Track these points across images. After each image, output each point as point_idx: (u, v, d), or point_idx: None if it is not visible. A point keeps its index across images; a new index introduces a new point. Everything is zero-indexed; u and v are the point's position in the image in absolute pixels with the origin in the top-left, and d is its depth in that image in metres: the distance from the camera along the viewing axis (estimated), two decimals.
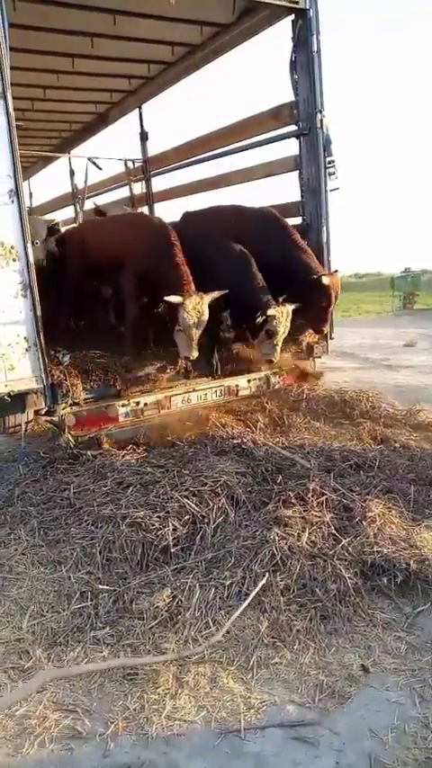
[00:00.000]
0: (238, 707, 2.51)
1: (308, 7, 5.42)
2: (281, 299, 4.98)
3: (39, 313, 4.34)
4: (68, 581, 3.34)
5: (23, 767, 2.25)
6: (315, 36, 5.47)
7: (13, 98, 4.20)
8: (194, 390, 5.35)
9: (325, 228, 5.80)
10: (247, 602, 3.01)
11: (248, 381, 5.63)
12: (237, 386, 5.55)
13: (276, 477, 4.06)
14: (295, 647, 2.83)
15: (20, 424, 4.81)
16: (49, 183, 11.92)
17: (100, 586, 3.25)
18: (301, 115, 5.72)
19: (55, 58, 6.67)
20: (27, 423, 4.89)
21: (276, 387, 5.78)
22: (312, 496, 3.76)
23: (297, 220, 6.06)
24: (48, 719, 2.46)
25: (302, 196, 5.94)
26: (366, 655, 2.79)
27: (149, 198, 9.10)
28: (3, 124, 4.12)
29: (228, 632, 2.91)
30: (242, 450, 4.45)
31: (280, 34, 5.74)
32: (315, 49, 5.49)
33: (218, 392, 5.46)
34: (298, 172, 5.94)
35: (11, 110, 4.14)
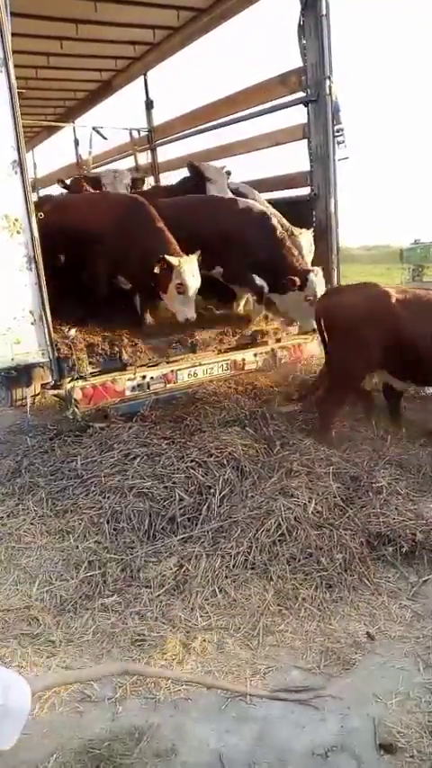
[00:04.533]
0: (244, 672, 2.55)
1: None
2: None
3: (44, 286, 4.32)
4: (76, 550, 3.38)
5: (34, 729, 2.30)
6: None
7: (16, 66, 4.09)
8: (200, 364, 5.33)
9: (333, 199, 5.70)
10: None
11: (255, 355, 5.60)
12: (243, 360, 5.52)
13: (282, 448, 4.07)
14: (301, 615, 2.87)
15: (27, 398, 4.82)
16: (54, 153, 11.77)
17: (107, 555, 3.29)
18: (309, 81, 5.58)
19: (58, 23, 6.51)
20: (34, 396, 4.90)
21: (283, 361, 5.74)
22: (319, 467, 3.77)
23: (305, 190, 5.97)
24: None
25: (311, 165, 5.83)
26: (371, 622, 2.82)
27: (155, 168, 8.98)
28: (4, 93, 4.02)
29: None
30: (248, 422, 4.45)
31: None
32: (324, 13, 5.33)
33: (224, 366, 5.44)
34: (306, 140, 5.83)
35: (13, 78, 4.04)
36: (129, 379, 4.93)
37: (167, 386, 5.12)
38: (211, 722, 2.34)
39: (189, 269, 4.77)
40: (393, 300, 4.26)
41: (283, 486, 3.60)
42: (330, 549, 3.18)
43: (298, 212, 5.78)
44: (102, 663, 2.31)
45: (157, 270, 4.75)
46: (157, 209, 5.24)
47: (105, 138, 8.77)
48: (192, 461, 3.83)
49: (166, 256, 4.72)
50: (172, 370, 5.14)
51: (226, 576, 3.10)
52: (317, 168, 5.76)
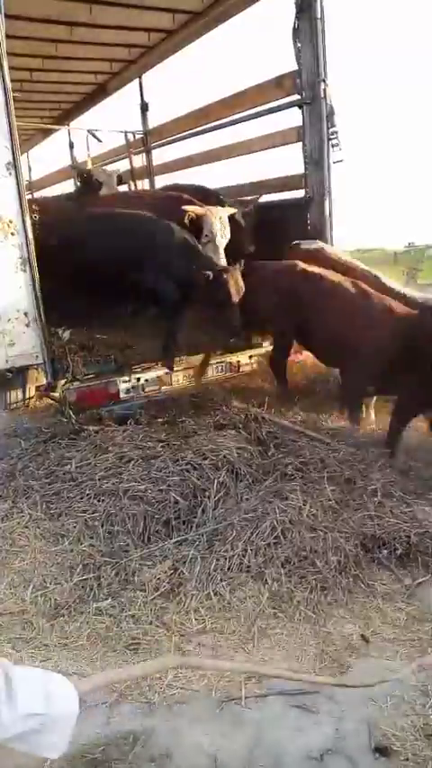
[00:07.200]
0: (239, 675, 2.54)
1: None
2: None
3: (38, 288, 4.32)
4: (71, 553, 3.37)
5: None
6: (319, 2, 5.33)
7: (10, 68, 4.11)
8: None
9: (328, 202, 5.73)
10: None
11: (250, 357, 5.61)
12: (239, 362, 5.53)
13: (277, 450, 4.06)
14: (296, 618, 2.86)
15: (21, 400, 4.81)
16: (49, 155, 11.78)
17: (102, 558, 3.28)
18: (304, 84, 5.60)
19: (53, 26, 6.52)
20: (28, 398, 4.89)
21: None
22: (313, 469, 3.77)
23: (300, 193, 5.98)
24: None
25: (305, 168, 5.85)
26: (366, 625, 2.82)
27: (150, 170, 8.98)
28: None
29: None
30: (243, 425, 4.44)
31: (283, 0, 5.60)
32: (318, 16, 5.36)
33: (219, 368, 5.45)
34: (301, 143, 5.84)
35: (7, 80, 4.06)
36: (123, 382, 4.93)
37: (162, 388, 5.12)
38: (206, 726, 2.33)
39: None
40: None
41: (277, 489, 3.60)
42: (325, 552, 3.18)
43: (293, 215, 5.78)
44: (154, 659, 2.32)
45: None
46: None
47: (101, 141, 8.79)
48: (186, 464, 3.82)
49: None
50: (167, 373, 5.14)
51: (221, 580, 3.09)
52: (312, 171, 5.78)
